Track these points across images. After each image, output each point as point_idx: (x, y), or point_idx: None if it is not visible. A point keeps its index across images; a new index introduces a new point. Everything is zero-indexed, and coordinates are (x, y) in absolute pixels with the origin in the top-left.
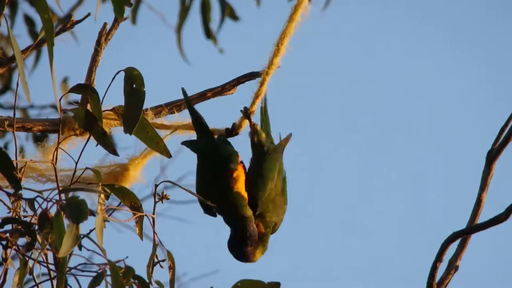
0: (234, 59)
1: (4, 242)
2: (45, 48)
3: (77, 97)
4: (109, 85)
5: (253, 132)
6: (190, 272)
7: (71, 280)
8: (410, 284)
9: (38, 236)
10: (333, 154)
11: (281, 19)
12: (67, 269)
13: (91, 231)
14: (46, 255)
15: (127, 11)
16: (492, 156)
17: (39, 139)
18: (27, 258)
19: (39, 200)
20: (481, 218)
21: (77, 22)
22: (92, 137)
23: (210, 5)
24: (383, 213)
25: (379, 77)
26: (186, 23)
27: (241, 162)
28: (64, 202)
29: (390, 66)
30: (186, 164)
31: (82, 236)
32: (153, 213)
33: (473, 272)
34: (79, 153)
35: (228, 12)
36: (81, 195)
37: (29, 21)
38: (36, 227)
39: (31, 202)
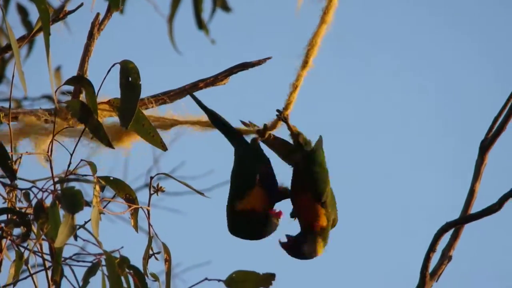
0: (226, 50)
1: None
2: (37, 39)
3: (70, 87)
4: (104, 77)
5: (295, 134)
6: (184, 263)
7: (66, 270)
8: (404, 275)
9: (33, 226)
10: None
11: (274, 11)
12: (63, 259)
13: (86, 222)
14: (41, 245)
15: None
16: (485, 146)
17: None
18: (22, 249)
19: (34, 190)
20: (474, 208)
21: (70, 12)
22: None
23: None
24: (376, 203)
25: (373, 67)
26: (179, 13)
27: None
28: (60, 192)
29: (384, 54)
30: (179, 155)
31: (78, 226)
32: (148, 206)
33: (467, 262)
34: (72, 143)
35: (220, 2)
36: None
37: (22, 10)
38: (32, 217)
39: (26, 192)
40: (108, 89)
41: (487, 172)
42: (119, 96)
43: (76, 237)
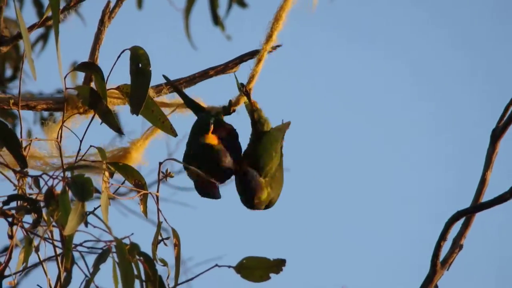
0: (240, 45)
1: (10, 219)
2: (52, 36)
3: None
4: (114, 63)
5: (253, 110)
6: (196, 257)
7: (76, 257)
8: (415, 263)
9: (43, 213)
10: (333, 134)
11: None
12: (73, 246)
13: (95, 208)
14: (51, 232)
15: None
16: (496, 134)
17: (44, 120)
18: (32, 236)
19: (45, 177)
20: (486, 197)
21: (81, 0)
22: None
23: None
24: (387, 193)
25: (380, 55)
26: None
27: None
28: (70, 179)
29: (390, 42)
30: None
31: (87, 213)
32: (157, 191)
33: (477, 251)
34: (82, 131)
35: None
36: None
37: (37, 3)
38: (42, 204)
39: (36, 179)
40: (119, 76)
41: (499, 161)
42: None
43: (86, 223)
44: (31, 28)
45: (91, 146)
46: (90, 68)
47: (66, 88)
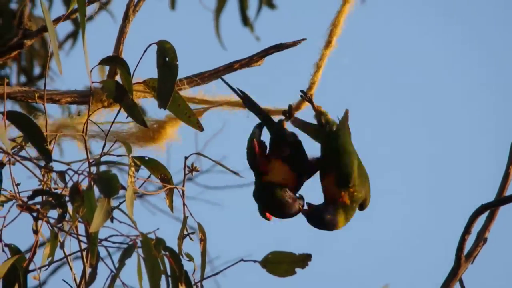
0: (262, 31)
1: (35, 214)
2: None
3: None
4: (141, 58)
5: (319, 114)
6: (223, 256)
7: (102, 252)
8: (439, 256)
9: (69, 208)
10: (363, 126)
11: (318, 9)
12: (98, 241)
13: (120, 203)
14: (76, 227)
15: None
16: None
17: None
18: (57, 230)
19: (70, 172)
20: (510, 190)
21: None
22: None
23: None
24: (411, 186)
25: (420, 57)
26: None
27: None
28: (95, 174)
29: (425, 46)
30: (223, 149)
31: (113, 208)
32: (183, 185)
33: (502, 244)
34: (107, 124)
35: (266, 0)
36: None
37: (66, 1)
38: (67, 199)
39: (62, 174)
40: (142, 70)
41: None
42: (153, 77)
43: (112, 219)
44: (57, 20)
45: (116, 140)
46: (116, 62)
47: (92, 82)
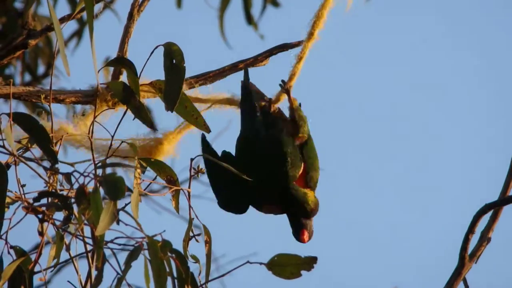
0: (266, 31)
1: (40, 216)
2: (86, 33)
3: None
4: (147, 60)
5: (293, 109)
6: (228, 255)
7: (107, 254)
8: (443, 256)
9: (74, 210)
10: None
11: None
12: (104, 243)
13: (126, 205)
14: (82, 229)
15: None
16: None
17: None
18: (63, 232)
19: (76, 174)
20: None
21: None
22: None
23: None
24: (415, 185)
25: (422, 55)
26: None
27: None
28: (101, 176)
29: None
30: (227, 146)
31: (118, 210)
32: (189, 187)
33: (505, 244)
34: (112, 124)
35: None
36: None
37: (72, 1)
38: (73, 200)
39: (68, 176)
40: (149, 72)
41: None
42: (158, 78)
43: (118, 222)
44: (62, 20)
45: (122, 141)
46: (123, 63)
47: (100, 84)
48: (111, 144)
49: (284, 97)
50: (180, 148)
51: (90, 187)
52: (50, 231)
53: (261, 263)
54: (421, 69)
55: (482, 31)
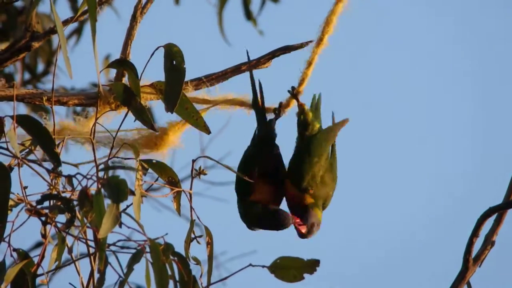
0: (273, 41)
1: (43, 218)
2: (85, 29)
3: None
4: (148, 60)
5: (301, 112)
6: (229, 252)
7: (110, 257)
8: (447, 259)
9: (77, 213)
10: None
11: (321, 2)
12: (106, 245)
13: (128, 206)
14: (85, 231)
15: None
16: None
17: (77, 114)
18: (65, 234)
19: (78, 177)
20: None
21: None
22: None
23: None
24: (419, 188)
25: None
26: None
27: None
28: (104, 179)
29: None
30: (227, 145)
31: (120, 212)
32: (191, 189)
33: (510, 248)
34: (115, 124)
35: None
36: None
37: None
38: (76, 203)
39: (70, 179)
40: (150, 72)
41: None
42: (160, 79)
43: (120, 224)
44: (65, 23)
45: (124, 143)
46: (124, 65)
47: (102, 85)
48: (112, 147)
49: (294, 102)
50: (184, 152)
51: (92, 189)
52: (53, 233)
53: (263, 266)
54: (430, 70)
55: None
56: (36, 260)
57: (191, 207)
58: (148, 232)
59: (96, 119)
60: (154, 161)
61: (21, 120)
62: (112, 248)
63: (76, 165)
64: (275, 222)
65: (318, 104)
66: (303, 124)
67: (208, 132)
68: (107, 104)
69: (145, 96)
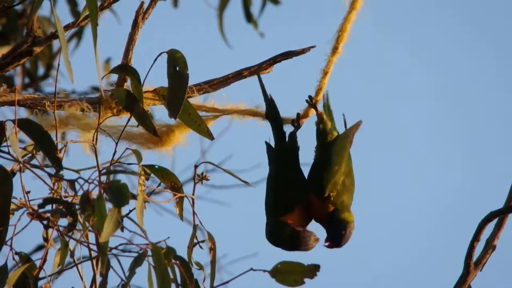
0: (274, 43)
1: (45, 222)
2: (86, 32)
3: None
4: (151, 66)
5: (319, 121)
6: (230, 255)
7: (112, 261)
8: (448, 264)
9: (79, 216)
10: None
11: (322, 4)
12: (108, 249)
13: (130, 211)
14: (87, 235)
15: None
16: None
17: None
18: (68, 238)
19: (80, 181)
20: None
21: (115, 1)
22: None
23: None
24: (420, 192)
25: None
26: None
27: None
28: (105, 183)
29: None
30: (227, 149)
31: (123, 217)
32: (193, 194)
33: (511, 252)
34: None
35: None
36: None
37: (71, 0)
38: (77, 207)
39: (72, 183)
40: (151, 78)
41: None
42: (162, 85)
43: (122, 228)
44: (66, 28)
45: (127, 148)
46: (126, 70)
47: (104, 90)
48: (115, 152)
49: (312, 112)
50: (183, 149)
51: (94, 193)
52: (55, 236)
53: (264, 270)
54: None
55: None
56: (38, 263)
57: (193, 212)
58: (150, 235)
59: (99, 124)
60: (156, 166)
61: (23, 125)
62: (114, 251)
63: (78, 171)
64: (303, 248)
65: (328, 104)
66: (322, 133)
67: (212, 138)
68: (109, 109)
69: (147, 101)
